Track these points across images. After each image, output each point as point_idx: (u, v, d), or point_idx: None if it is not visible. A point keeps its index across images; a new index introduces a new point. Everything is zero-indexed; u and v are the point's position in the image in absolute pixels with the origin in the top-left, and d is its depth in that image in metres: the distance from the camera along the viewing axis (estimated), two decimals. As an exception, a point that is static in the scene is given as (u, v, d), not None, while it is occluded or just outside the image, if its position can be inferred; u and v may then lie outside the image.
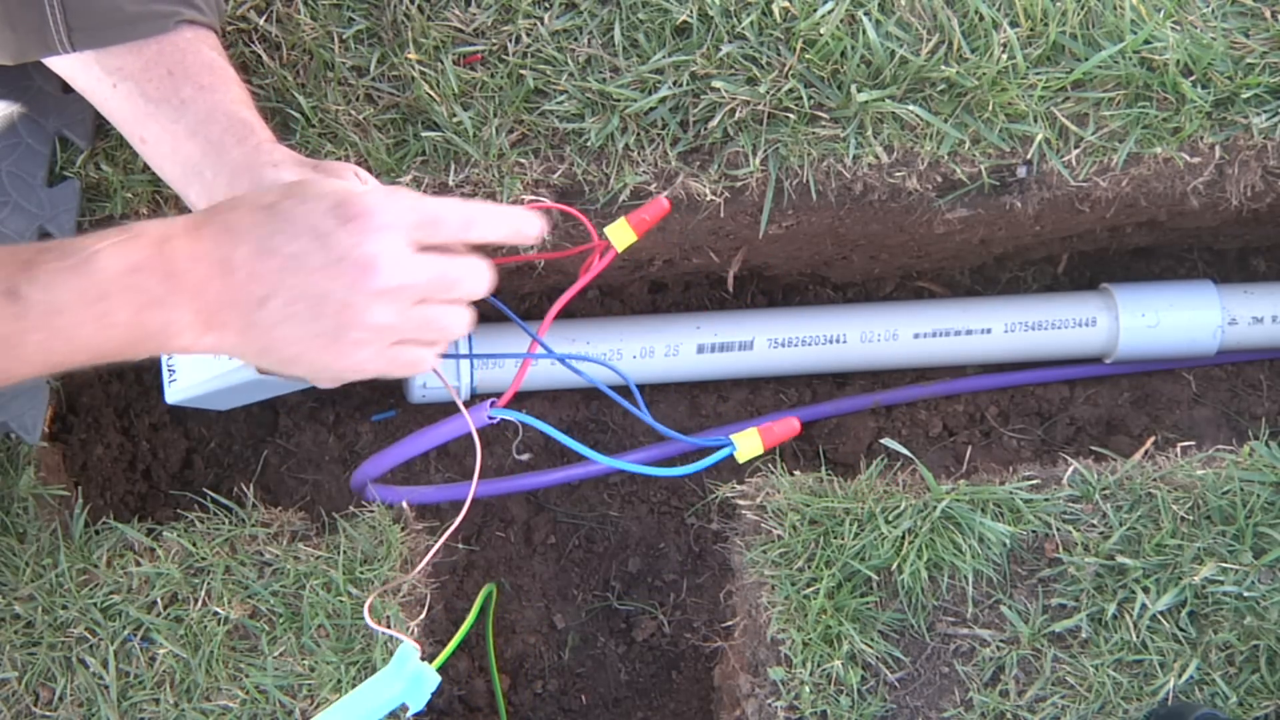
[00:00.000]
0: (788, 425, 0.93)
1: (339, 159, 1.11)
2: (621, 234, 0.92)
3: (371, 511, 1.08)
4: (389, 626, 1.01)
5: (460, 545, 1.31)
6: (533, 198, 1.10)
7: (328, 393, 1.40)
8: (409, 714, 0.90)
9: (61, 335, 0.72)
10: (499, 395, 0.94)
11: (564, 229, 1.16)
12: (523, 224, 0.84)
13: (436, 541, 0.93)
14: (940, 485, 1.06)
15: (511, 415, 0.93)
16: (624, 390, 1.00)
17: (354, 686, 0.98)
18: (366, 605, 0.98)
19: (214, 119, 0.92)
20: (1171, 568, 1.02)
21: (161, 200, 1.11)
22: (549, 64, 1.12)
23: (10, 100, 1.11)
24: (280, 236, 0.75)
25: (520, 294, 1.35)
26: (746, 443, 0.92)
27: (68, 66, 0.96)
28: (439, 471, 1.39)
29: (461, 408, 0.91)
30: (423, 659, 0.87)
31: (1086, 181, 1.14)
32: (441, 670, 0.88)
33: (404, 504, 1.11)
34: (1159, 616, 1.01)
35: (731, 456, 0.94)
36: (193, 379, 0.98)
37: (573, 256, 0.99)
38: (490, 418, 0.93)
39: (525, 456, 1.16)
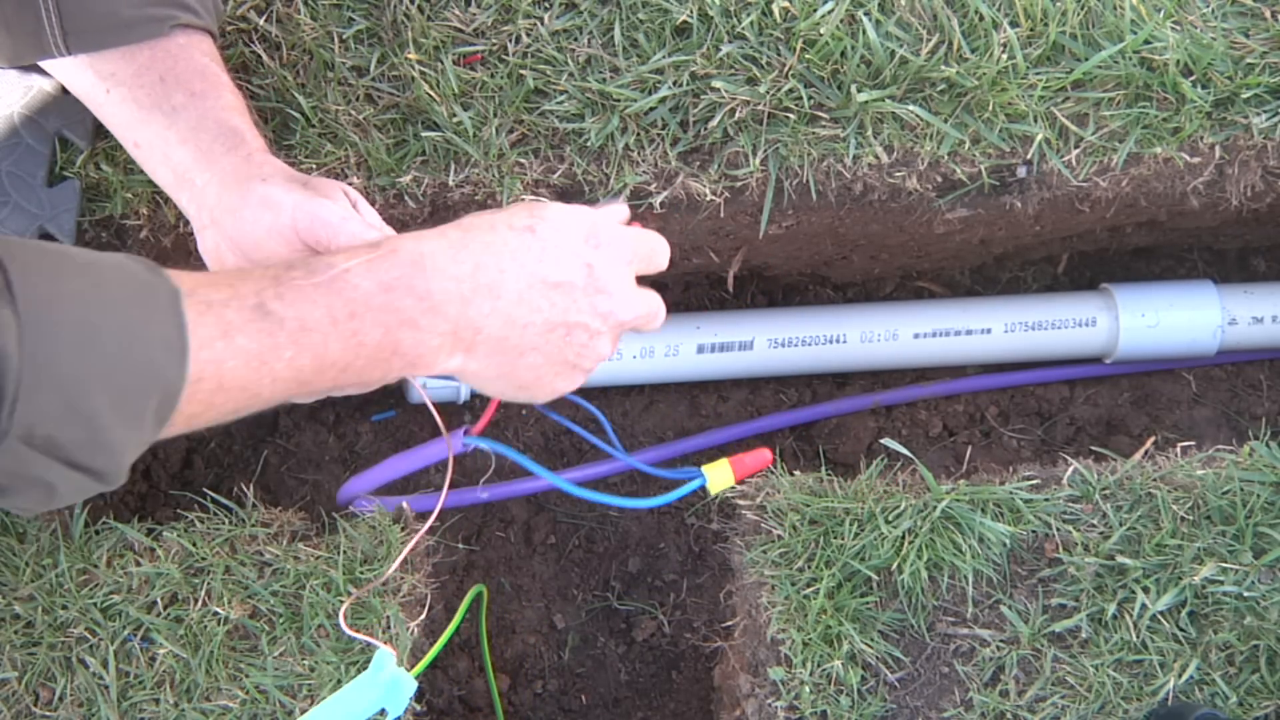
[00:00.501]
0: (759, 456, 0.95)
1: (339, 159, 1.11)
2: (721, 478, 0.97)
3: (371, 512, 1.08)
4: (389, 626, 1.01)
5: (460, 545, 1.31)
6: (533, 198, 1.10)
7: (328, 393, 1.40)
8: (390, 718, 0.89)
9: (310, 351, 0.70)
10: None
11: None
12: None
13: (411, 542, 0.97)
14: (940, 485, 1.06)
15: (484, 444, 0.98)
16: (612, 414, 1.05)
17: None
18: (341, 612, 0.98)
19: (204, 126, 0.92)
20: (1171, 568, 1.02)
21: (161, 201, 1.11)
22: (549, 64, 1.12)
23: (10, 100, 1.11)
24: (549, 264, 0.76)
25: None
26: (717, 474, 0.94)
27: (63, 69, 0.97)
28: (439, 471, 1.39)
29: (444, 432, 0.95)
30: (402, 665, 0.87)
31: (1086, 181, 1.14)
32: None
33: (404, 504, 1.11)
34: (1159, 616, 1.01)
35: (704, 488, 0.96)
36: None
37: None
38: (465, 445, 0.99)
39: (484, 495, 1.21)
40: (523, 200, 0.80)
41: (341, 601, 1.01)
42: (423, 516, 1.13)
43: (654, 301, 0.84)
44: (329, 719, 0.87)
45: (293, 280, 0.70)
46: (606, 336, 0.81)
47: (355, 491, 1.11)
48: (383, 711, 0.88)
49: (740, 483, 0.95)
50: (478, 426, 0.99)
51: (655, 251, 0.84)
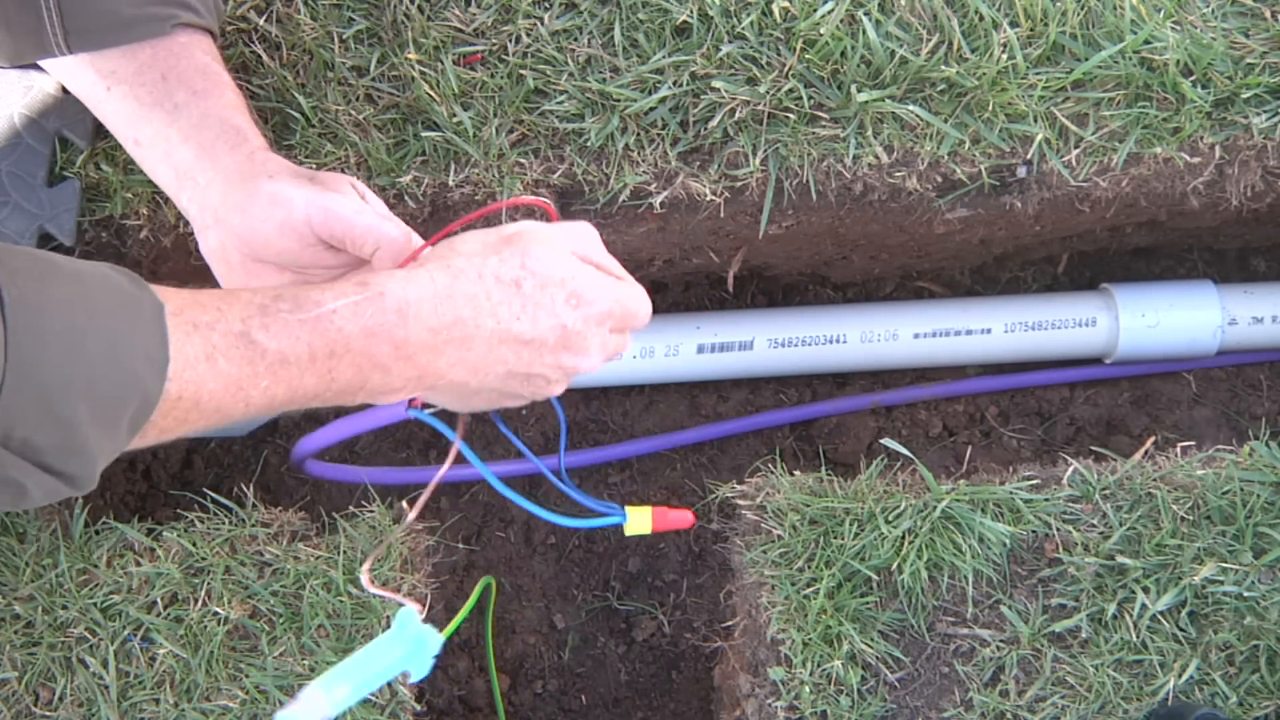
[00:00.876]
0: (681, 516, 0.95)
1: (339, 159, 1.11)
2: (640, 523, 0.95)
3: (371, 511, 1.08)
4: (388, 627, 1.00)
5: (460, 545, 1.31)
6: (533, 197, 1.10)
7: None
8: (410, 681, 0.89)
9: (285, 383, 0.72)
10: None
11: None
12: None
13: (410, 516, 0.97)
14: (940, 485, 1.06)
15: (424, 417, 0.96)
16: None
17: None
18: (365, 568, 0.98)
19: (207, 124, 0.92)
20: (1171, 568, 1.02)
21: (161, 201, 1.11)
22: (549, 64, 1.12)
23: (10, 99, 1.11)
24: (526, 322, 0.78)
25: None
26: (638, 519, 0.94)
27: (63, 69, 0.96)
28: (437, 463, 1.39)
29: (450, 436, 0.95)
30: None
31: (1086, 181, 1.14)
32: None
33: (404, 505, 1.11)
34: (1159, 616, 1.01)
35: (620, 526, 0.96)
36: None
37: None
38: (407, 414, 0.97)
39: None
40: (520, 229, 0.81)
41: (342, 601, 1.02)
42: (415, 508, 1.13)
43: (618, 345, 0.86)
44: (349, 677, 0.86)
45: (279, 312, 0.71)
46: (563, 382, 0.84)
47: (306, 450, 1.12)
48: (405, 675, 0.88)
49: (656, 533, 0.97)
50: (420, 399, 0.98)
51: (635, 314, 0.85)
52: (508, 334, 0.78)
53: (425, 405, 0.94)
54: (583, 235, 0.85)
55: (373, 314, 0.74)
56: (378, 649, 0.86)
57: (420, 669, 0.87)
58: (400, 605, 0.88)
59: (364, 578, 0.97)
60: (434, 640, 0.86)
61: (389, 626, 1.00)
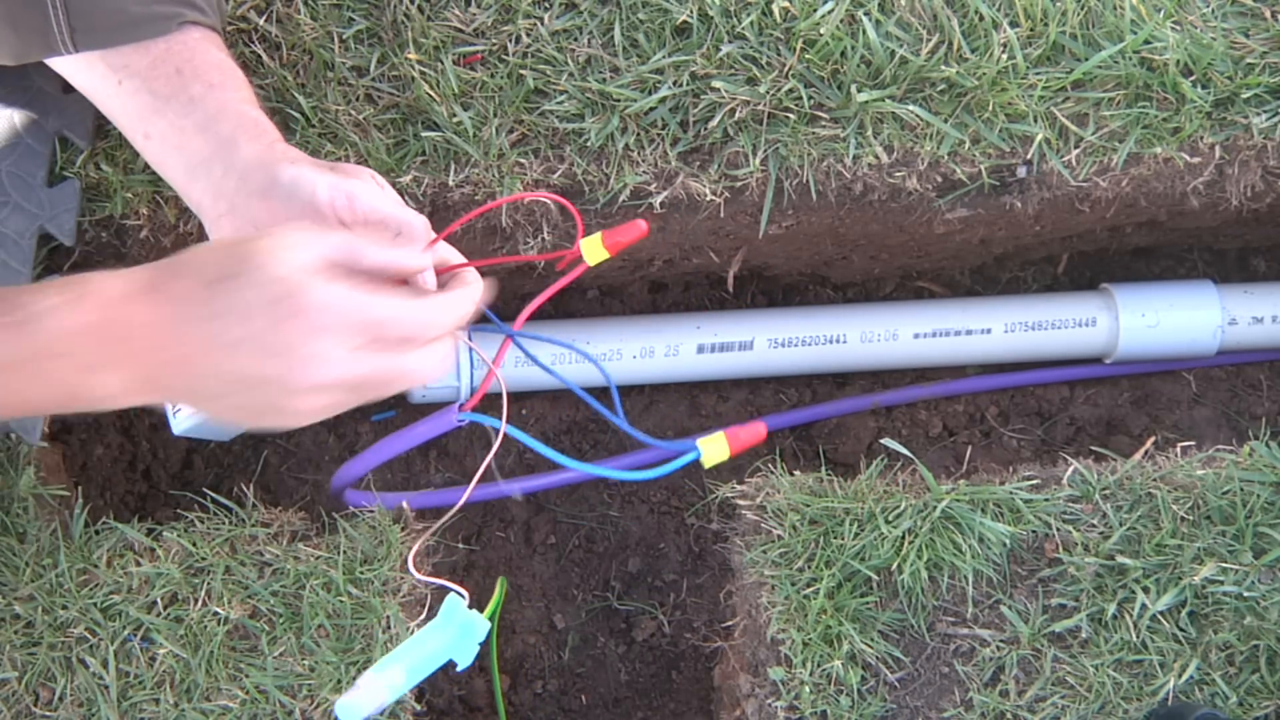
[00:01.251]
0: (754, 431, 0.92)
1: (339, 159, 1.11)
2: (595, 250, 0.90)
3: (371, 511, 1.08)
4: (388, 627, 1.01)
5: (460, 545, 1.31)
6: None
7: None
8: (458, 669, 0.88)
9: (6, 388, 0.72)
10: (500, 394, 0.93)
11: (564, 228, 1.16)
12: (467, 315, 0.83)
13: (426, 534, 0.95)
14: (940, 485, 1.06)
15: (481, 419, 0.90)
16: (611, 391, 1.00)
17: (354, 686, 0.98)
18: (411, 556, 0.97)
19: (224, 116, 0.91)
20: (1171, 568, 1.02)
21: (161, 201, 1.12)
22: (549, 64, 1.12)
23: (10, 100, 1.11)
24: (219, 322, 0.74)
25: (521, 293, 1.35)
26: (712, 447, 0.91)
27: (69, 65, 0.96)
28: (439, 471, 1.39)
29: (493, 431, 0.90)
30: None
31: (1086, 181, 1.14)
32: (442, 670, 0.87)
33: (404, 504, 1.11)
34: (1159, 616, 1.01)
35: (699, 461, 0.93)
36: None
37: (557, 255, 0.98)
38: (459, 420, 0.91)
39: (515, 489, 1.17)
40: (254, 238, 0.79)
41: (342, 601, 1.02)
42: (422, 514, 1.13)
43: (376, 363, 0.78)
44: (401, 660, 0.85)
45: None
46: (307, 395, 0.77)
47: (349, 478, 1.07)
48: (450, 663, 0.87)
49: (735, 456, 0.92)
50: (470, 402, 0.92)
51: (390, 325, 0.77)
52: (202, 331, 0.74)
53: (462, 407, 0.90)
54: (342, 246, 0.77)
55: (81, 311, 0.73)
56: (426, 635, 0.86)
57: (466, 656, 0.86)
58: (450, 591, 0.87)
59: (411, 565, 0.96)
60: (481, 626, 0.86)
61: (388, 626, 1.01)
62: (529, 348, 1.03)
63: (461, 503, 0.97)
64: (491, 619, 1.09)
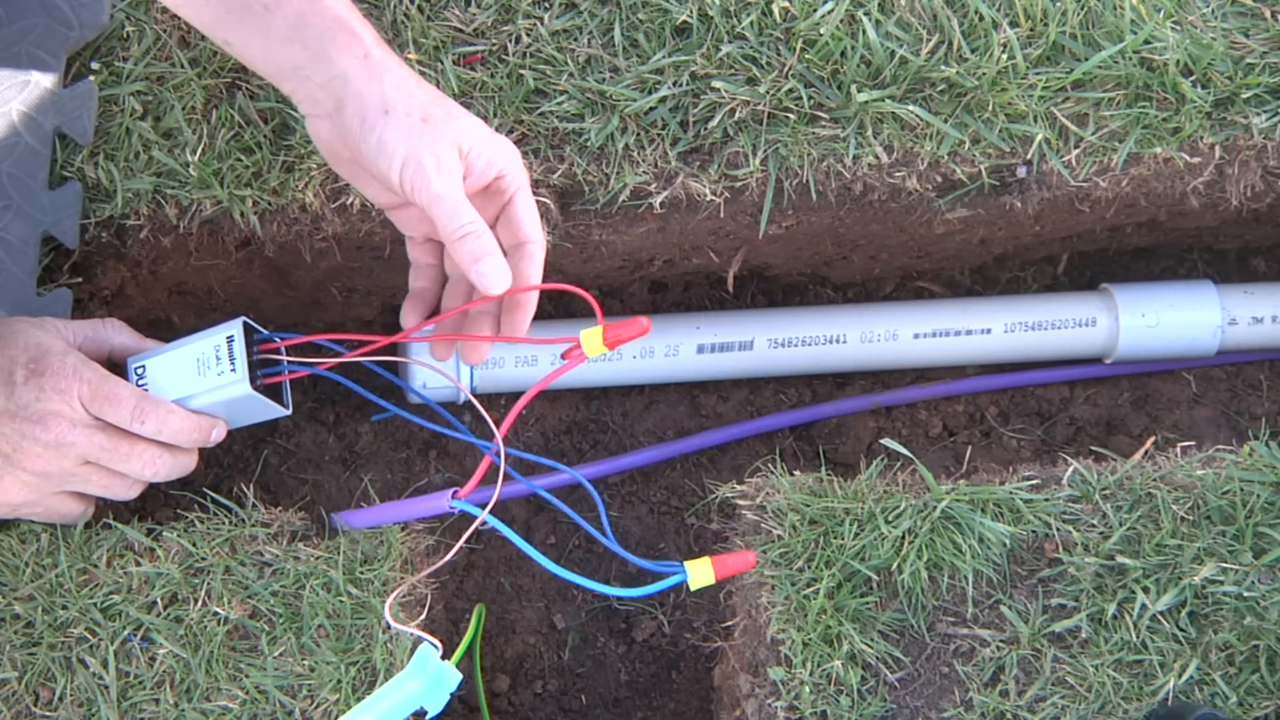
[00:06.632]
0: (741, 559, 0.95)
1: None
2: (595, 343, 0.94)
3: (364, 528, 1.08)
4: (388, 627, 1.00)
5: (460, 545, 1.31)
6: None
7: (328, 393, 1.40)
8: (427, 718, 0.89)
9: None
10: (506, 394, 0.95)
11: (564, 228, 1.16)
12: (205, 436, 0.95)
13: (439, 562, 0.98)
14: (940, 485, 1.06)
15: (471, 509, 0.97)
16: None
17: (354, 686, 0.98)
18: (388, 606, 0.98)
19: (310, 22, 0.86)
20: (1171, 568, 1.02)
21: (162, 200, 1.11)
22: (549, 64, 1.12)
23: (7, 97, 1.10)
24: None
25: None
26: (699, 572, 0.94)
27: None
28: (439, 471, 1.39)
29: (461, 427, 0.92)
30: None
31: (1086, 181, 1.14)
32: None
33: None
34: (1159, 616, 1.01)
35: (684, 583, 0.95)
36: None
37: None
38: (451, 508, 1.00)
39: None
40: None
41: (342, 601, 1.02)
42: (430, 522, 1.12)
43: (108, 440, 0.92)
44: (370, 713, 0.86)
45: None
46: (38, 452, 0.90)
47: (346, 524, 1.10)
48: (421, 711, 0.88)
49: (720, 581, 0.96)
50: (465, 490, 0.99)
51: (119, 403, 0.91)
52: None
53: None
54: (107, 395, 0.90)
55: None
56: (396, 685, 0.87)
57: (436, 705, 0.87)
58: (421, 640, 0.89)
59: (387, 612, 0.97)
60: (452, 677, 0.87)
61: (388, 627, 1.01)
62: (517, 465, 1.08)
63: (452, 555, 0.99)
64: (471, 644, 1.10)
